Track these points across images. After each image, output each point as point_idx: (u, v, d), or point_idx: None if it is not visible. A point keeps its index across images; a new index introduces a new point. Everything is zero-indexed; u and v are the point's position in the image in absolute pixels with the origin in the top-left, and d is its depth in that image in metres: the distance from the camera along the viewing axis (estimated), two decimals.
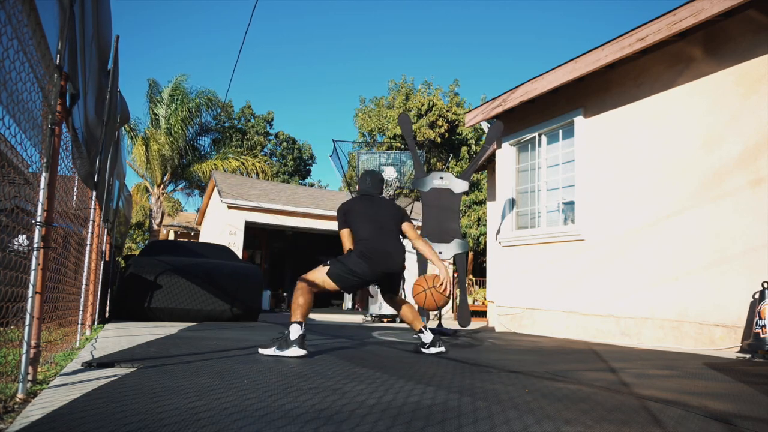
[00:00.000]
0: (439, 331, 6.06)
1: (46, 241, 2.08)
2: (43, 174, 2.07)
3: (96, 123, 3.52)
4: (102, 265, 5.89)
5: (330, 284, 3.57)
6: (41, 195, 2.05)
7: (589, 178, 6.42)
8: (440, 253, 6.02)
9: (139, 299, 6.50)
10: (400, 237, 3.94)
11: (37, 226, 2.05)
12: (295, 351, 3.23)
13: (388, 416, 1.70)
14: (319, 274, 3.57)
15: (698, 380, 2.92)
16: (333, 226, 14.62)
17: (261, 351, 3.35)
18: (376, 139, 20.81)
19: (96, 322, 5.69)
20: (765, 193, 4.64)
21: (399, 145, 18.59)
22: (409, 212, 12.10)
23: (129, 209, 13.30)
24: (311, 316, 10.66)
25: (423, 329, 3.85)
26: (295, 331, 3.28)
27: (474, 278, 16.38)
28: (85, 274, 4.22)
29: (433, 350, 3.81)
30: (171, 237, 20.55)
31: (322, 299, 18.05)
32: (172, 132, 19.11)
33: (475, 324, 9.31)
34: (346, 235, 3.81)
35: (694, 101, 5.37)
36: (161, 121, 19.43)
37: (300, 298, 3.43)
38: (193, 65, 53.03)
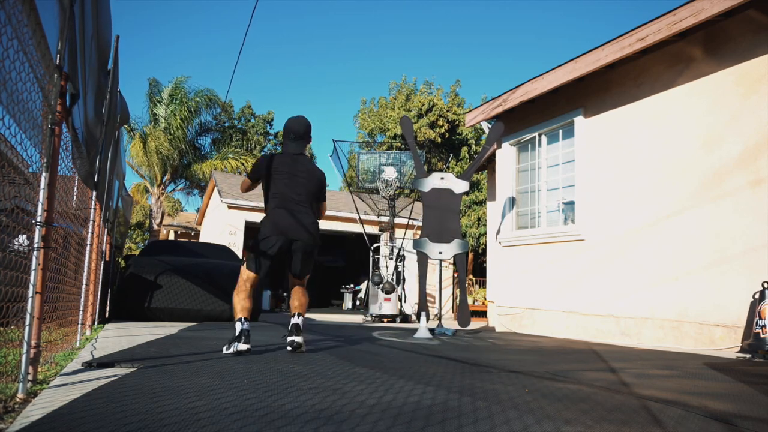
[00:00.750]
0: (440, 332, 6.07)
1: (46, 241, 2.08)
2: (43, 174, 2.07)
3: (96, 123, 3.52)
4: (102, 265, 5.89)
5: (247, 273, 3.54)
6: (41, 195, 2.05)
7: (590, 178, 6.42)
8: (440, 253, 6.02)
9: (139, 299, 6.50)
10: (312, 210, 3.72)
11: (37, 226, 2.05)
12: (240, 346, 3.29)
13: (388, 416, 1.70)
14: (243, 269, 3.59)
15: (698, 380, 2.92)
16: (333, 226, 14.65)
17: (223, 352, 3.39)
18: (377, 139, 20.81)
19: (96, 322, 5.69)
20: (765, 193, 4.64)
21: (399, 145, 18.60)
22: (409, 212, 12.09)
23: (129, 209, 13.31)
24: (311, 315, 10.66)
25: (297, 316, 3.65)
26: (237, 328, 3.37)
27: (474, 278, 16.38)
28: (85, 274, 4.22)
29: (287, 338, 3.57)
30: (171, 237, 20.54)
31: (322, 299, 18.05)
32: (172, 131, 19.11)
33: (475, 324, 9.31)
34: (246, 182, 3.79)
35: (694, 101, 5.37)
36: (161, 120, 19.44)
37: (235, 297, 3.54)
38: (193, 65, 53.05)
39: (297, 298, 3.73)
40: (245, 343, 3.28)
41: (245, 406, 1.75)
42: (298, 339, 3.55)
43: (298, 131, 3.74)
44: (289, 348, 3.55)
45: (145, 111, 19.89)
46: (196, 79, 48.62)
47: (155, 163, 18.96)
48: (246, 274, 3.56)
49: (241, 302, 3.49)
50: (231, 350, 3.30)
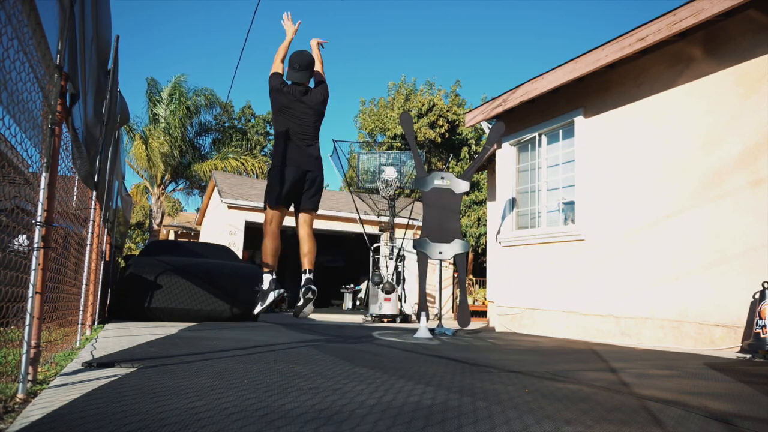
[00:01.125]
0: (440, 332, 6.07)
1: (46, 241, 2.08)
2: (43, 174, 2.07)
3: (96, 123, 3.52)
4: (102, 265, 5.89)
5: (270, 213, 3.61)
6: (41, 195, 2.05)
7: (590, 178, 6.42)
8: (440, 253, 6.02)
9: (139, 299, 6.50)
10: (318, 130, 3.84)
11: (37, 226, 2.05)
12: (272, 295, 3.45)
13: (388, 416, 1.69)
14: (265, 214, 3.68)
15: (698, 380, 2.92)
16: (333, 226, 14.65)
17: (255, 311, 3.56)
18: (377, 139, 20.80)
19: (96, 322, 5.69)
20: (765, 193, 4.64)
21: (399, 145, 18.59)
22: (409, 212, 12.09)
23: (129, 209, 13.30)
24: (311, 316, 10.66)
25: (305, 271, 3.61)
26: (266, 280, 3.52)
27: (474, 278, 16.37)
28: (85, 274, 4.22)
29: (259, 307, 3.55)
30: (171, 237, 20.54)
31: (322, 299, 18.04)
32: (171, 131, 19.11)
33: (475, 324, 9.31)
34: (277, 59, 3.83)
35: (694, 101, 5.37)
36: (160, 120, 19.44)
37: (264, 245, 3.60)
38: (193, 65, 53.06)
39: (306, 241, 3.66)
40: (275, 289, 3.43)
41: (245, 406, 1.75)
42: (313, 288, 3.44)
43: (302, 63, 3.74)
44: (299, 304, 3.46)
45: (145, 111, 19.90)
46: (196, 79, 48.57)
47: (158, 164, 18.95)
48: (269, 215, 3.61)
49: (268, 247, 3.55)
50: (259, 307, 3.46)
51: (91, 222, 4.12)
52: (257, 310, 3.50)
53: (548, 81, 6.59)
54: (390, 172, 10.87)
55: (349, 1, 50.51)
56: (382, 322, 9.62)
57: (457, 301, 14.32)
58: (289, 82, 3.75)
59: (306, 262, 3.60)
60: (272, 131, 27.75)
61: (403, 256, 10.70)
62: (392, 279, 10.15)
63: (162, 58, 48.91)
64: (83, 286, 4.20)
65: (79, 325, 4.00)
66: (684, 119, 5.45)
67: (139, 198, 21.81)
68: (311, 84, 3.88)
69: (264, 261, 3.60)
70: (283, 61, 3.84)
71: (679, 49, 5.54)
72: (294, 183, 3.64)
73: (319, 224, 14.42)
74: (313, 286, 3.44)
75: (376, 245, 11.88)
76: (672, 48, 5.58)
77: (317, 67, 3.96)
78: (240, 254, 13.03)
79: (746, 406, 2.21)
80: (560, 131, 7.01)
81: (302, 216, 3.71)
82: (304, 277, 3.53)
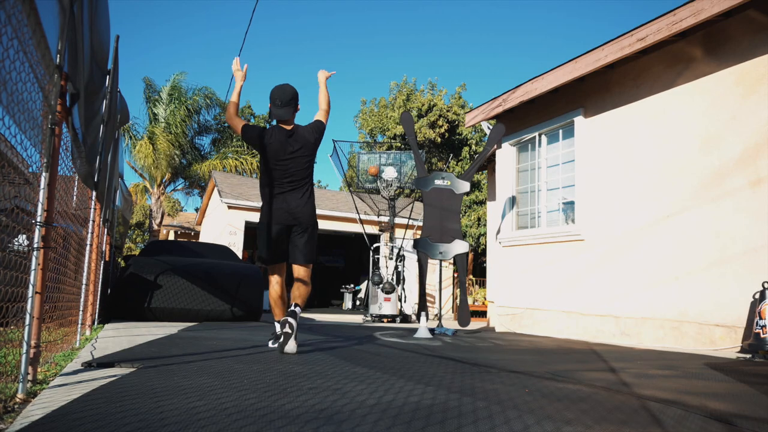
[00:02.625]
0: (440, 332, 6.06)
1: (46, 241, 2.08)
2: (43, 174, 2.07)
3: (95, 122, 3.52)
4: (102, 265, 5.88)
5: (270, 278, 3.70)
6: (41, 195, 2.05)
7: (590, 178, 6.42)
8: (441, 253, 6.02)
9: (139, 299, 6.50)
10: (309, 176, 3.67)
11: (37, 226, 2.05)
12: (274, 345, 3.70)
13: (388, 416, 1.69)
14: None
15: (698, 380, 2.92)
16: (333, 226, 14.64)
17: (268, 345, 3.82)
18: (377, 139, 20.80)
19: (96, 322, 5.69)
20: (765, 193, 4.64)
21: (399, 145, 18.59)
22: (409, 212, 12.09)
23: (129, 209, 13.30)
24: (311, 315, 10.66)
25: (282, 322, 3.45)
26: (277, 328, 3.79)
27: (474, 278, 16.37)
28: (85, 274, 4.22)
29: (270, 344, 3.79)
30: (171, 237, 20.54)
31: (322, 299, 18.05)
32: (172, 131, 19.11)
33: (475, 324, 9.31)
34: (234, 121, 3.68)
35: (694, 101, 5.37)
36: (160, 120, 19.43)
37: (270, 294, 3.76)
38: (192, 66, 53.03)
39: (297, 287, 3.64)
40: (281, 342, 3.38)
41: (245, 406, 1.75)
42: (291, 322, 3.32)
43: (284, 98, 3.57)
44: (280, 340, 3.38)
45: (144, 112, 19.90)
46: (194, 79, 48.59)
47: (164, 163, 18.91)
48: (269, 273, 3.69)
49: (272, 296, 3.71)
50: (270, 344, 3.79)
51: (90, 222, 4.12)
52: (269, 344, 3.80)
53: (548, 81, 6.59)
54: (390, 172, 10.87)
55: (349, 1, 50.50)
56: (382, 322, 9.61)
57: (457, 301, 14.33)
58: (272, 122, 3.67)
59: (296, 298, 3.56)
60: None
61: (403, 256, 10.69)
62: (392, 279, 10.15)
63: (159, 58, 48.91)
64: (83, 286, 4.21)
65: (79, 325, 4.00)
66: (684, 119, 5.45)
67: (138, 198, 21.82)
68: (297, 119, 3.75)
69: (272, 310, 3.76)
70: (237, 114, 3.67)
71: (679, 49, 5.54)
72: (278, 239, 3.57)
73: (319, 224, 14.41)
74: (291, 320, 3.31)
75: (376, 245, 11.87)
76: (672, 48, 5.58)
77: (321, 102, 3.81)
78: (240, 254, 13.03)
79: (746, 406, 2.21)
80: (560, 131, 7.01)
81: (294, 267, 3.67)
82: (287, 310, 3.47)
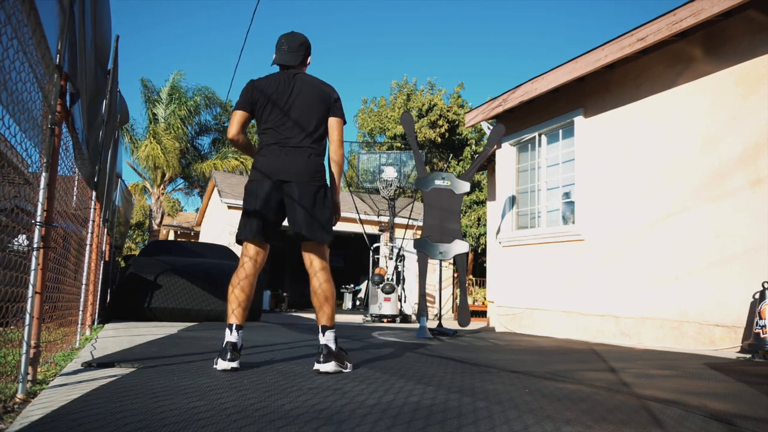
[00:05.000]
0: (440, 332, 6.07)
1: (46, 241, 2.08)
2: (43, 174, 2.07)
3: (96, 123, 3.52)
4: (102, 265, 5.89)
5: (242, 254, 2.74)
6: (41, 195, 2.05)
7: (590, 178, 6.42)
8: (441, 253, 6.02)
9: (139, 299, 6.50)
10: (314, 143, 2.73)
11: (37, 226, 2.05)
12: (220, 363, 2.53)
13: (388, 416, 1.69)
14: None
15: (698, 380, 2.92)
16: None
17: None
18: (377, 139, 20.80)
19: (96, 322, 5.69)
20: (765, 193, 4.64)
21: (399, 145, 18.59)
22: (409, 212, 12.09)
23: (129, 208, 13.30)
24: (310, 315, 10.64)
25: (323, 330, 2.63)
26: (225, 336, 2.59)
27: (474, 278, 16.37)
28: (85, 274, 4.22)
29: (318, 366, 2.55)
30: (171, 237, 20.55)
31: None
32: (172, 131, 19.11)
33: (475, 324, 9.31)
34: (236, 118, 2.79)
35: (694, 101, 5.37)
36: (160, 121, 19.43)
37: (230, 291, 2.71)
38: (192, 66, 53.02)
39: (317, 293, 2.65)
40: (230, 360, 2.48)
41: (245, 406, 1.75)
42: (326, 367, 2.54)
43: (292, 43, 2.83)
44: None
45: (144, 112, 19.89)
46: (195, 78, 48.59)
47: (173, 164, 18.89)
48: (241, 258, 2.70)
49: (231, 298, 2.63)
50: (215, 365, 2.54)
51: (90, 222, 4.12)
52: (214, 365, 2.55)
53: (548, 81, 6.59)
54: (390, 172, 10.87)
55: (349, 1, 50.50)
56: (382, 322, 9.61)
57: (457, 301, 14.32)
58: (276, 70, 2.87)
59: (319, 315, 2.65)
60: None
61: (403, 256, 10.70)
62: (392, 279, 10.15)
63: (159, 59, 48.89)
64: (83, 286, 4.21)
65: (79, 325, 4.00)
66: (684, 119, 5.45)
67: (137, 198, 21.83)
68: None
69: (227, 312, 2.62)
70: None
71: (679, 49, 5.53)
72: (265, 202, 2.64)
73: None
74: (324, 368, 2.53)
75: (376, 245, 11.87)
76: (672, 48, 5.58)
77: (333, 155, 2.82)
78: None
79: (746, 406, 2.21)
80: (560, 131, 7.01)
81: (304, 248, 2.71)
82: (320, 340, 2.62)
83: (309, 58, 2.94)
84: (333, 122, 2.79)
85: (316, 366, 2.56)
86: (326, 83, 2.87)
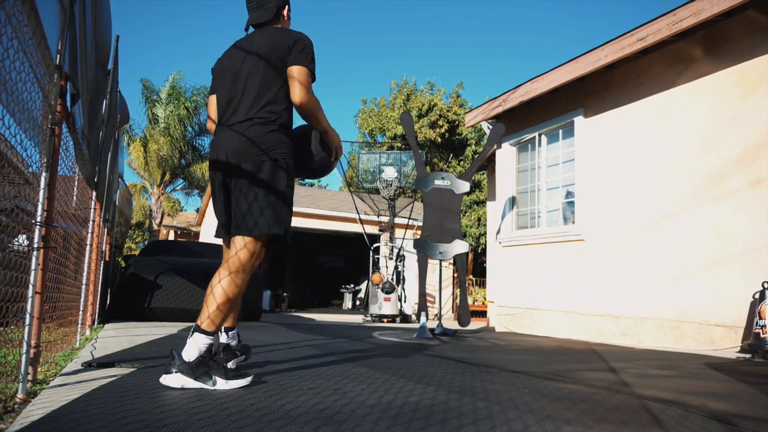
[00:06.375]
0: (440, 332, 6.06)
1: (46, 241, 2.08)
2: (43, 174, 2.07)
3: (97, 123, 3.52)
4: (102, 265, 5.89)
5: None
6: (41, 195, 2.05)
7: (590, 178, 6.42)
8: (441, 253, 6.02)
9: (139, 299, 6.50)
10: (266, 101, 2.26)
11: (37, 226, 2.05)
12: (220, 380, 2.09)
13: (388, 416, 1.69)
14: None
15: (698, 380, 2.92)
16: (333, 226, 14.63)
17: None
18: (377, 139, 20.81)
19: (96, 322, 5.69)
20: (765, 193, 4.64)
21: (399, 145, 18.59)
22: (409, 212, 12.08)
23: (129, 208, 13.31)
24: (311, 315, 10.65)
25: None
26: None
27: (474, 278, 16.37)
28: (85, 274, 4.22)
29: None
30: (171, 237, 20.55)
31: (322, 299, 18.05)
32: (171, 131, 19.10)
33: (475, 324, 9.31)
34: (210, 104, 2.49)
35: (695, 101, 5.37)
36: (160, 121, 19.43)
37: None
38: (191, 66, 53.02)
39: (213, 285, 2.24)
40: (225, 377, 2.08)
41: (245, 406, 1.75)
42: (167, 380, 2.03)
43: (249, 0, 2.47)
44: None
45: (143, 113, 19.88)
46: (195, 78, 48.57)
47: (154, 166, 18.93)
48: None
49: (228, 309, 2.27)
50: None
51: (91, 222, 4.12)
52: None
53: (548, 81, 6.59)
54: (390, 173, 10.87)
55: (350, 1, 50.48)
56: (382, 322, 9.61)
57: (457, 301, 14.32)
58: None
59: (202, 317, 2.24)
60: None
61: (403, 256, 10.70)
62: (392, 279, 10.15)
63: (158, 59, 48.90)
64: (83, 286, 4.21)
65: (79, 325, 4.00)
66: (684, 119, 5.45)
67: (136, 197, 21.83)
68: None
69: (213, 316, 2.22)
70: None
71: (679, 49, 5.54)
72: (216, 190, 2.33)
73: (318, 224, 14.43)
74: (165, 381, 2.02)
75: (376, 245, 11.87)
76: (672, 48, 5.58)
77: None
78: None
79: (746, 406, 2.21)
80: (560, 131, 7.01)
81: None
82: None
83: (285, 10, 2.50)
84: (290, 71, 2.28)
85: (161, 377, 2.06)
86: (286, 30, 2.38)
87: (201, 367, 2.07)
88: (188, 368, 2.04)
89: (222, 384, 2.06)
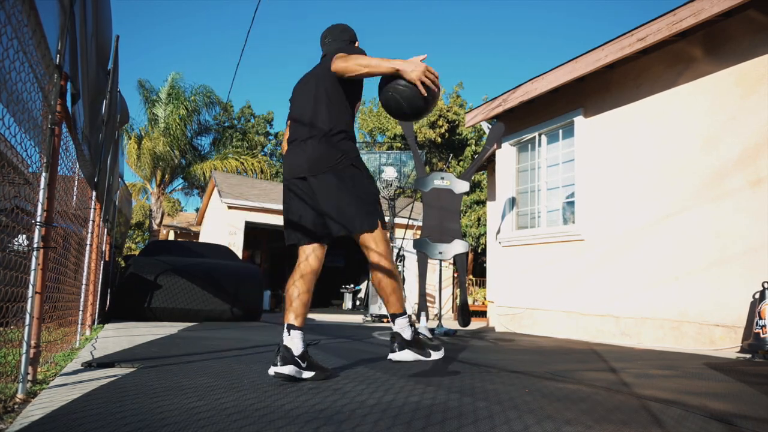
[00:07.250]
0: (440, 332, 6.06)
1: (46, 241, 2.08)
2: (43, 174, 2.07)
3: (96, 123, 3.52)
4: (102, 265, 5.88)
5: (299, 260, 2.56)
6: (41, 195, 2.05)
7: (590, 178, 6.42)
8: (440, 253, 6.02)
9: (139, 299, 6.50)
10: (330, 108, 2.47)
11: (37, 226, 2.05)
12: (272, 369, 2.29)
13: (388, 416, 1.69)
14: None
15: (698, 380, 2.92)
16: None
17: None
18: (377, 139, 20.80)
19: (96, 322, 5.69)
20: (765, 193, 4.64)
21: (399, 145, 18.59)
22: (409, 212, 12.08)
23: (129, 208, 13.31)
24: (311, 316, 10.64)
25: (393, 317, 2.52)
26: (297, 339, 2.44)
27: (474, 278, 16.37)
28: (85, 274, 4.22)
29: (393, 356, 2.41)
30: (171, 237, 20.54)
31: (322, 299, 18.04)
32: (171, 131, 19.09)
33: (475, 324, 9.31)
34: (287, 129, 2.71)
35: (695, 101, 5.37)
36: (160, 121, 19.42)
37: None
38: (191, 66, 52.97)
39: (378, 282, 2.47)
40: (281, 364, 2.25)
41: (245, 406, 1.75)
42: (400, 356, 2.40)
43: (333, 32, 2.70)
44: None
45: (143, 113, 19.87)
46: (195, 78, 48.54)
47: (146, 163, 18.91)
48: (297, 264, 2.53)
49: (288, 299, 2.52)
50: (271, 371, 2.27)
51: (91, 222, 4.12)
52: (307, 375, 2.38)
53: (548, 81, 6.59)
54: (390, 173, 10.87)
55: (350, 1, 50.48)
56: (382, 322, 9.61)
57: (457, 301, 14.31)
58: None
59: (386, 304, 2.53)
60: (272, 131, 27.73)
61: (403, 256, 10.69)
62: None
63: (158, 59, 48.81)
64: (83, 286, 4.20)
65: (79, 325, 4.00)
66: (684, 119, 5.45)
67: (136, 197, 21.83)
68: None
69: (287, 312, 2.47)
70: None
71: (679, 49, 5.54)
72: (291, 203, 2.52)
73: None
74: (397, 356, 2.39)
75: None
76: (672, 48, 5.58)
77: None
78: (240, 254, 13.03)
79: (746, 406, 2.21)
80: (560, 131, 7.01)
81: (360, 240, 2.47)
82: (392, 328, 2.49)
83: (356, 43, 2.71)
84: (340, 60, 2.41)
85: (390, 356, 2.40)
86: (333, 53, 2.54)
87: (418, 343, 2.47)
88: (410, 344, 2.44)
89: (435, 355, 2.50)
